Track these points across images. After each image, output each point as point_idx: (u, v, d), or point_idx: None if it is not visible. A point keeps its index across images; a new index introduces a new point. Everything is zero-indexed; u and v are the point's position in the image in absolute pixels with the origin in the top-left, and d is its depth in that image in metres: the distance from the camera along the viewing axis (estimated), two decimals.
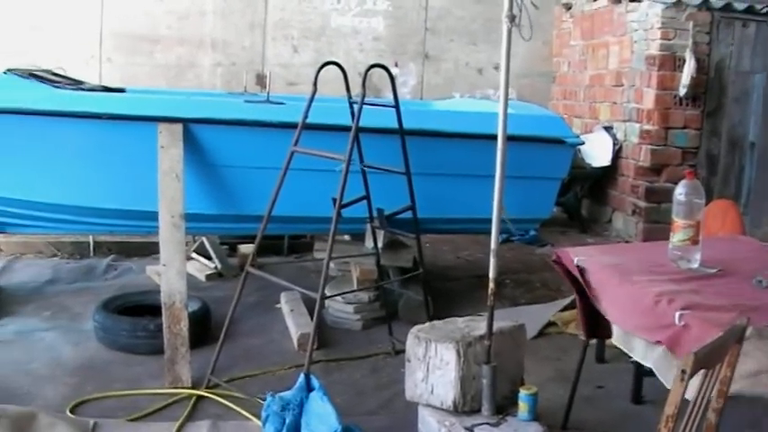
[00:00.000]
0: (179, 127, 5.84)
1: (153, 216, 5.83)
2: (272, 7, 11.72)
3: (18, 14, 10.75)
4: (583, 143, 7.54)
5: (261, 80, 11.31)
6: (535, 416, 4.25)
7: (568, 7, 12.35)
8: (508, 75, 4.29)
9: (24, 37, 10.60)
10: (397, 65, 11.75)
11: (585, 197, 11.03)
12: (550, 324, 6.83)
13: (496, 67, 12.20)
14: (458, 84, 12.32)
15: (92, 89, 6.87)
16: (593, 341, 5.32)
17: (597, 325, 4.60)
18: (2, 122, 6.00)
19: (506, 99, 4.28)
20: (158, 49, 11.47)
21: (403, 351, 4.73)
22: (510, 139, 4.31)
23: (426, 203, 6.11)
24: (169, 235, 5.63)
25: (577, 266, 4.45)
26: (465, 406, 4.31)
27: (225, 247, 8.65)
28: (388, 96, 6.12)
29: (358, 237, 7.00)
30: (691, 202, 4.30)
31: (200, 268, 8.15)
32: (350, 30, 11.99)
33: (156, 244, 6.05)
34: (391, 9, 12.07)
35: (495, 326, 4.36)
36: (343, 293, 6.48)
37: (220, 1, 11.54)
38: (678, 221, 4.33)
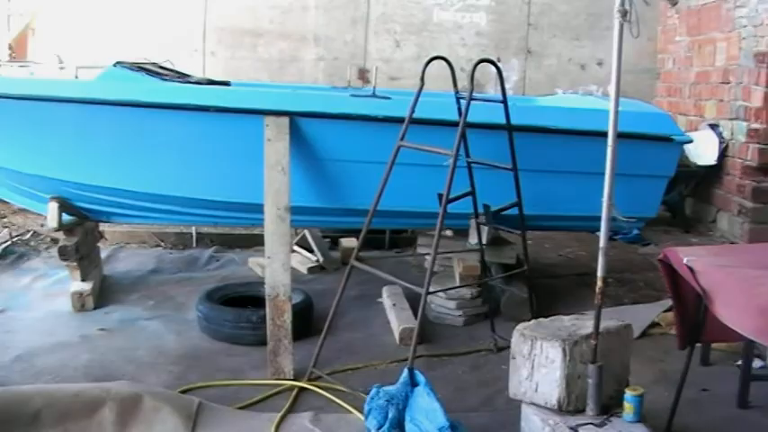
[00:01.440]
0: (285, 120, 5.87)
1: (257, 208, 5.86)
2: (375, 2, 11.72)
3: (127, 8, 10.92)
4: (691, 141, 7.40)
5: (363, 75, 11.34)
6: (640, 417, 4.19)
7: (674, 3, 12.14)
8: (620, 71, 4.24)
9: (132, 30, 10.76)
10: (499, 60, 11.67)
11: (690, 196, 10.83)
12: (654, 325, 6.72)
13: (600, 63, 12.07)
14: (560, 80, 12.19)
15: (198, 82, 6.94)
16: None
17: (698, 329, 4.51)
18: (112, 114, 6.11)
19: (617, 96, 4.23)
20: (261, 43, 11.55)
21: (505, 348, 4.71)
22: (618, 136, 4.25)
23: (531, 200, 6.06)
24: (274, 227, 5.66)
25: (687, 266, 4.35)
26: (569, 405, 4.26)
27: (326, 240, 8.68)
28: (491, 92, 6.07)
29: (460, 232, 6.96)
30: None
31: (303, 261, 8.20)
32: (452, 25, 11.93)
33: (258, 236, 6.10)
34: (494, 4, 11.99)
35: (602, 325, 4.30)
36: (447, 289, 6.45)
37: None
38: None
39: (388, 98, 6.50)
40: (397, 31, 11.85)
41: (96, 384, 4.87)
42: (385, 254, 8.75)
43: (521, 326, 4.51)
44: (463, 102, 5.46)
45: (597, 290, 4.27)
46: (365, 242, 5.71)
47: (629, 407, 4.18)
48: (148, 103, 6.06)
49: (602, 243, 4.28)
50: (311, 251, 8.31)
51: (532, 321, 4.63)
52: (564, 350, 4.22)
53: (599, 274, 4.27)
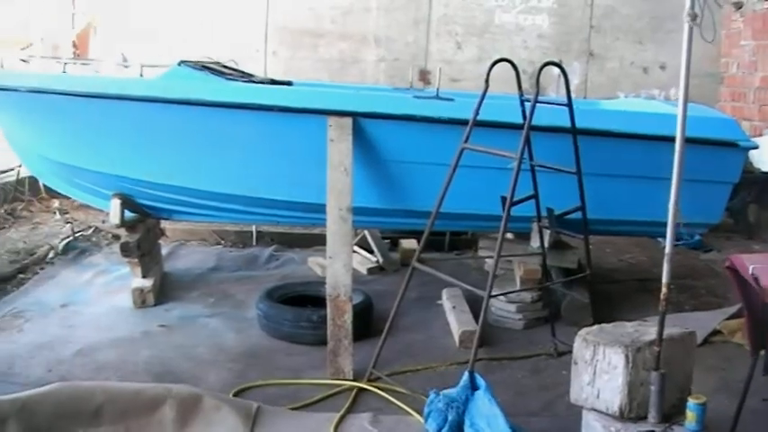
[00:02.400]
0: (349, 120, 5.88)
1: (319, 208, 5.88)
2: (436, 3, 11.69)
3: (190, 8, 11.00)
4: (756, 147, 7.29)
5: (424, 76, 11.32)
6: (703, 427, 4.14)
7: (739, 6, 11.99)
8: (688, 75, 4.19)
9: (195, 30, 10.83)
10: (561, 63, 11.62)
11: (753, 202, 10.69)
12: (715, 332, 6.63)
13: (662, 67, 11.94)
14: (622, 83, 12.08)
15: (261, 82, 6.98)
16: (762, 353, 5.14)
17: (764, 336, 4.46)
18: (176, 113, 6.16)
19: (686, 100, 4.18)
20: (322, 43, 11.56)
21: (565, 353, 4.68)
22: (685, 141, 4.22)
23: (594, 204, 6.02)
24: (336, 228, 5.67)
25: (752, 275, 4.30)
26: (631, 412, 4.23)
27: (386, 241, 8.68)
28: (552, 95, 6.04)
29: (522, 235, 6.93)
30: None
31: (362, 261, 8.21)
32: (514, 27, 11.87)
33: (317, 235, 6.11)
34: (556, 6, 11.91)
35: (665, 332, 4.25)
36: (509, 293, 6.43)
37: None
38: None
39: (452, 100, 6.48)
40: (458, 33, 11.81)
41: (157, 384, 4.91)
42: (445, 256, 8.74)
43: (583, 331, 4.48)
44: (527, 104, 5.44)
45: (662, 296, 4.23)
46: (426, 244, 5.70)
47: (691, 415, 4.13)
48: (212, 102, 6.10)
49: (667, 249, 4.24)
50: (371, 252, 8.32)
51: (595, 327, 4.60)
52: (627, 356, 4.18)
53: (664, 280, 4.24)
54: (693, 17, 4.10)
